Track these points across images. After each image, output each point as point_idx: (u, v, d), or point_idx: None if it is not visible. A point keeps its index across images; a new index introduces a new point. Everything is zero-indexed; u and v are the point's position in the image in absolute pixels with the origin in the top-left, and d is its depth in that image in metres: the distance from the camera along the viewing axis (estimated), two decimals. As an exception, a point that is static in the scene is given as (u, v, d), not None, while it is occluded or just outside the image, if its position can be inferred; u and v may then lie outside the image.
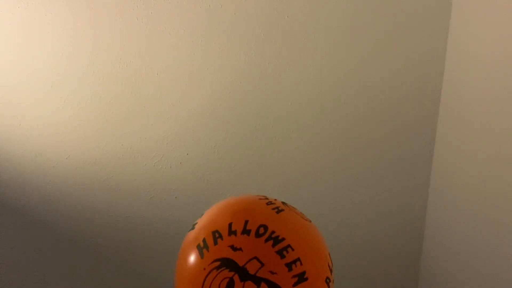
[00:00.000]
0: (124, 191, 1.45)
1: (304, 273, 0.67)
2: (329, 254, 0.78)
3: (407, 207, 1.51)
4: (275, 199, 0.83)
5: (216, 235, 0.69)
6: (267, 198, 0.84)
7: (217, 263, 0.65)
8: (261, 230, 0.69)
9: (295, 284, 0.66)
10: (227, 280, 0.64)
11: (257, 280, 0.64)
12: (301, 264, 0.67)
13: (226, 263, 0.65)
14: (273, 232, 0.69)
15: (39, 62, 1.34)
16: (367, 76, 1.40)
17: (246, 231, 0.68)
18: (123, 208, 1.47)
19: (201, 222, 0.76)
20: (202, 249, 0.68)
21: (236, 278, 0.64)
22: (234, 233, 0.68)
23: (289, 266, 0.66)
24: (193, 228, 0.76)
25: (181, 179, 1.45)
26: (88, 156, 1.42)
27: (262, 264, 0.65)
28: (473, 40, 1.24)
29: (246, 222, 0.70)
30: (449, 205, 1.36)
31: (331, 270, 0.75)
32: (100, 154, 1.42)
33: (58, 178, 1.43)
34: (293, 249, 0.68)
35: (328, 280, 0.72)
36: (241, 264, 0.65)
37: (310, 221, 0.84)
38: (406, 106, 1.43)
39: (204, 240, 0.69)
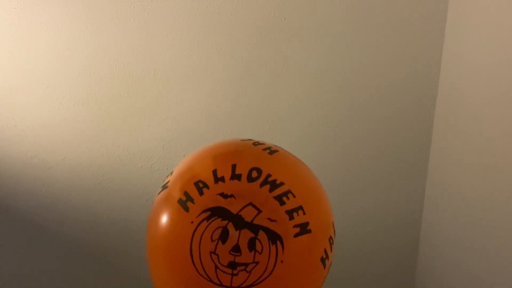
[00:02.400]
0: (120, 192, 1.45)
1: (307, 224, 0.59)
2: (332, 212, 0.69)
3: (403, 210, 1.51)
4: (264, 141, 0.72)
5: (200, 185, 0.60)
6: (252, 140, 0.72)
7: (207, 213, 0.57)
8: (254, 174, 0.60)
9: (297, 234, 0.58)
10: (220, 229, 0.56)
11: (254, 228, 0.56)
12: (304, 213, 0.60)
13: (218, 212, 0.57)
14: (268, 175, 0.60)
15: (35, 63, 1.34)
16: (364, 78, 1.41)
17: (235, 176, 0.60)
18: (119, 209, 1.46)
19: (175, 178, 0.66)
20: (185, 202, 0.59)
21: (231, 226, 0.56)
22: (222, 179, 0.60)
23: (290, 214, 0.59)
24: (164, 187, 0.66)
25: (177, 180, 1.45)
26: (84, 158, 1.42)
27: (259, 211, 0.57)
28: (469, 42, 1.25)
29: (234, 166, 0.61)
30: (445, 209, 1.37)
31: (334, 231, 0.67)
32: (96, 155, 1.42)
33: (54, 179, 1.43)
34: (294, 196, 0.60)
35: (331, 241, 0.65)
36: (234, 211, 0.57)
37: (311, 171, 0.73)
38: (402, 110, 1.43)
39: (186, 193, 0.60)
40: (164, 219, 0.61)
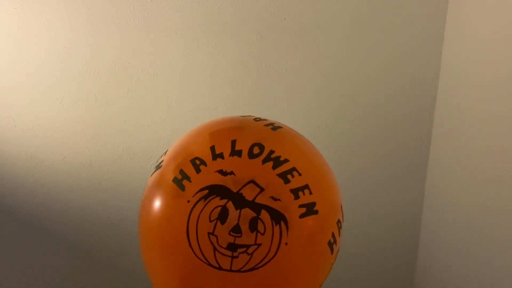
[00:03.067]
0: (120, 192, 1.45)
1: (313, 204, 0.55)
2: (340, 195, 0.64)
3: (403, 206, 1.51)
4: (266, 118, 0.66)
5: (197, 162, 0.55)
6: (252, 116, 0.67)
7: (205, 192, 0.53)
8: (256, 150, 0.55)
9: (303, 215, 0.54)
10: (219, 209, 0.51)
11: (256, 207, 0.52)
12: (310, 192, 0.55)
13: (216, 190, 0.52)
14: (271, 151, 0.56)
15: (35, 63, 1.34)
16: (363, 76, 1.41)
17: (235, 152, 0.55)
18: (119, 209, 1.46)
19: (169, 156, 0.61)
20: (181, 181, 0.54)
21: (230, 205, 0.51)
22: (220, 156, 0.55)
23: (295, 192, 0.54)
24: (158, 167, 0.61)
25: (177, 180, 1.44)
26: (84, 158, 1.41)
27: (262, 189, 0.53)
28: (468, 42, 1.25)
29: (234, 142, 0.56)
30: (444, 213, 1.37)
31: (343, 215, 0.62)
32: (96, 155, 1.41)
33: (53, 179, 1.42)
34: (300, 174, 0.55)
35: (339, 225, 0.59)
36: (235, 189, 0.52)
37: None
38: (402, 110, 1.43)
39: (181, 171, 0.55)
40: (158, 200, 0.57)
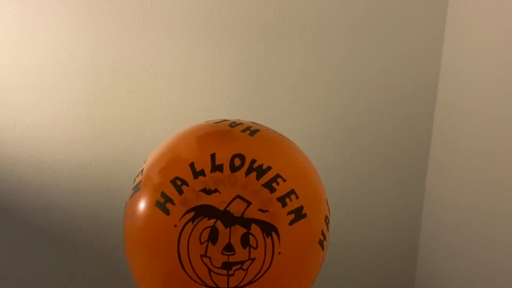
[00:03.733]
0: (120, 192, 1.45)
1: (301, 208, 0.55)
2: (325, 189, 0.64)
3: (403, 205, 1.51)
4: (240, 120, 0.65)
5: (178, 183, 0.53)
6: (228, 120, 0.65)
7: (191, 214, 0.51)
8: (237, 161, 0.54)
9: (292, 221, 0.53)
10: (208, 230, 0.51)
11: (245, 222, 0.51)
12: (297, 197, 0.55)
13: (203, 210, 0.51)
14: (253, 161, 0.54)
15: (35, 63, 1.34)
16: (363, 76, 1.41)
17: (216, 167, 0.53)
18: (119, 209, 1.46)
19: (147, 177, 0.58)
20: (164, 204, 0.53)
21: (219, 224, 0.51)
22: (201, 173, 0.53)
23: (282, 200, 0.53)
24: (136, 189, 0.58)
25: (177, 180, 1.44)
26: (84, 158, 1.41)
27: (249, 203, 0.52)
28: (468, 42, 1.25)
29: (213, 156, 0.54)
30: (445, 204, 1.37)
31: (329, 209, 0.62)
32: (96, 155, 1.41)
33: (53, 179, 1.42)
34: (284, 180, 0.55)
35: (327, 220, 0.60)
36: (221, 207, 0.51)
37: (296, 145, 0.67)
38: (402, 111, 1.43)
39: (163, 194, 0.53)
40: (143, 227, 0.55)
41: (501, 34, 1.09)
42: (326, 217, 0.60)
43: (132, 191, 0.60)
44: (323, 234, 0.58)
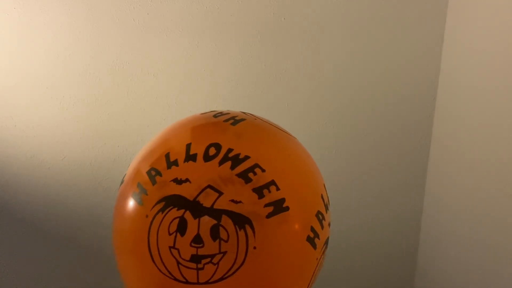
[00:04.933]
0: (120, 192, 1.45)
1: (282, 201, 0.50)
2: (324, 185, 0.60)
3: (403, 206, 1.51)
4: (230, 110, 0.62)
5: (153, 173, 0.52)
6: (215, 111, 0.63)
7: (161, 204, 0.50)
8: (212, 151, 0.51)
9: (270, 214, 0.49)
10: (177, 220, 0.48)
11: (215, 213, 0.48)
12: (277, 189, 0.50)
13: (172, 200, 0.49)
14: (229, 150, 0.51)
15: (35, 63, 1.34)
16: (363, 77, 1.41)
17: (190, 157, 0.51)
18: (119, 209, 1.46)
19: (130, 169, 0.58)
20: (139, 195, 0.52)
21: (188, 215, 0.48)
22: (175, 163, 0.51)
23: (258, 191, 0.50)
24: (121, 182, 0.59)
25: (177, 180, 1.44)
26: (84, 158, 1.41)
27: (220, 193, 0.49)
28: (469, 36, 1.25)
29: (188, 145, 0.53)
30: (445, 206, 1.37)
31: (326, 206, 0.57)
32: (96, 155, 1.41)
33: (53, 179, 1.42)
34: (263, 170, 0.51)
35: (320, 216, 0.55)
36: (191, 197, 0.49)
37: (293, 137, 0.62)
38: (402, 111, 1.43)
39: (139, 185, 0.53)
40: (122, 216, 0.55)
41: (501, 35, 1.09)
42: (319, 213, 0.55)
43: (120, 184, 0.59)
44: (313, 230, 0.53)
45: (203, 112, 0.65)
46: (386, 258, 1.56)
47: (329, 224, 0.59)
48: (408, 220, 1.52)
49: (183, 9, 1.33)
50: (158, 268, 0.49)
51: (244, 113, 0.62)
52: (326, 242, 0.58)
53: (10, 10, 1.30)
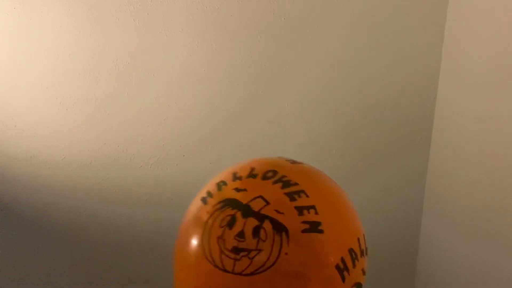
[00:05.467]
0: (120, 193, 1.45)
1: (318, 223, 0.59)
2: (363, 235, 0.67)
3: (403, 205, 1.51)
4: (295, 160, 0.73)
5: (220, 184, 0.65)
6: (282, 157, 0.75)
7: (221, 204, 0.61)
8: (269, 174, 0.63)
9: (306, 230, 0.58)
10: (229, 217, 0.59)
11: (260, 217, 0.58)
12: (316, 212, 0.59)
13: (229, 202, 0.61)
14: (284, 176, 0.63)
15: (35, 63, 1.34)
16: (363, 76, 1.41)
17: (251, 175, 0.64)
18: (119, 210, 1.46)
19: (206, 186, 0.72)
20: (206, 198, 0.64)
21: (238, 214, 0.59)
22: (239, 178, 0.64)
23: (299, 209, 0.59)
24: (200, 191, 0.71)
25: (177, 181, 1.45)
26: (83, 158, 1.41)
27: (267, 203, 0.59)
28: (469, 35, 1.25)
29: (253, 168, 0.65)
30: (445, 204, 1.37)
31: (362, 250, 0.64)
32: (96, 155, 1.41)
33: (53, 180, 1.42)
34: (307, 196, 0.61)
35: (353, 254, 0.62)
36: (244, 201, 0.60)
37: (342, 189, 0.73)
38: (402, 113, 1.43)
39: (208, 192, 0.66)
40: (189, 211, 0.68)
41: (501, 34, 1.09)
42: (352, 250, 0.62)
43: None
44: (343, 262, 0.60)
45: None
46: (386, 257, 1.56)
47: (363, 271, 0.64)
48: (408, 219, 1.52)
49: (183, 9, 1.33)
50: (205, 254, 0.59)
51: (308, 165, 0.72)
52: (357, 286, 0.63)
53: (10, 10, 1.30)
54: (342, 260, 0.60)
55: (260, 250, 0.56)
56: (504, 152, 1.07)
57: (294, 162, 0.70)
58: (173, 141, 1.42)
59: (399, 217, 1.52)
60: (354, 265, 0.61)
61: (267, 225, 0.57)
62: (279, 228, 0.57)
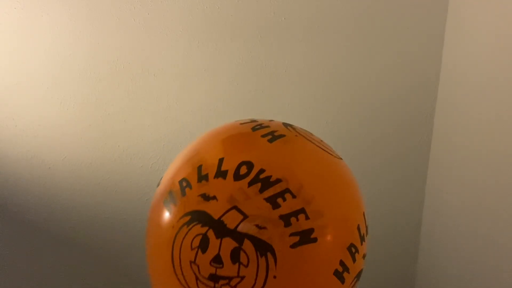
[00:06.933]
0: (120, 192, 1.45)
1: (310, 231, 0.48)
2: (363, 214, 0.56)
3: (403, 206, 1.51)
4: (272, 120, 0.60)
5: (184, 184, 0.52)
6: (256, 121, 0.61)
7: (187, 218, 0.49)
8: (243, 170, 0.50)
9: (295, 245, 0.47)
10: (200, 237, 0.48)
11: (238, 236, 0.47)
12: (306, 217, 0.48)
13: (198, 216, 0.49)
14: (261, 171, 0.50)
15: (35, 63, 1.34)
16: (364, 76, 1.41)
17: (220, 173, 0.50)
18: (120, 209, 1.46)
19: (167, 174, 0.58)
20: (169, 204, 0.52)
21: (211, 234, 0.48)
22: (205, 178, 0.50)
23: (286, 219, 0.47)
24: (158, 184, 0.59)
25: (177, 180, 1.44)
26: (84, 158, 1.41)
27: (245, 216, 0.47)
28: (469, 35, 1.25)
29: (221, 160, 0.51)
30: (446, 204, 1.37)
31: (362, 237, 0.54)
32: (96, 155, 1.41)
33: (54, 179, 1.42)
34: (294, 196, 0.48)
35: (353, 249, 0.52)
36: (216, 216, 0.48)
37: (340, 159, 0.59)
38: (402, 112, 1.43)
39: (170, 193, 0.53)
40: (152, 221, 0.55)
41: (501, 34, 1.09)
42: (352, 246, 0.52)
43: (157, 185, 0.59)
44: (342, 264, 0.50)
45: (243, 120, 0.62)
46: (386, 257, 1.55)
47: (363, 256, 0.56)
48: (408, 219, 1.51)
49: (183, 9, 1.33)
50: (179, 280, 0.49)
51: (286, 126, 0.58)
52: (358, 275, 0.55)
53: (11, 10, 1.30)
54: (341, 263, 0.50)
55: (242, 277, 0.47)
56: (505, 152, 1.07)
57: (271, 134, 0.55)
58: (173, 141, 1.42)
59: (400, 217, 1.52)
60: (354, 260, 0.52)
61: (247, 246, 0.47)
62: (263, 248, 0.47)
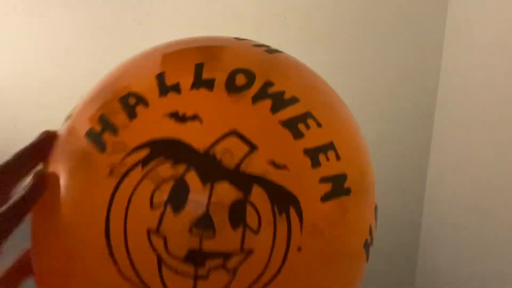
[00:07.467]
0: (120, 192, 1.45)
1: (343, 177, 0.30)
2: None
3: (403, 206, 1.51)
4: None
5: (132, 101, 0.29)
6: (251, 41, 0.40)
7: (143, 152, 0.26)
8: (241, 79, 0.30)
9: (327, 196, 0.28)
10: (169, 184, 0.26)
11: (242, 179, 0.26)
12: (337, 157, 0.30)
13: (165, 148, 0.27)
14: (268, 83, 0.31)
15: (35, 64, 1.34)
16: (363, 76, 1.41)
17: (203, 82, 0.29)
18: (119, 209, 1.46)
19: (86, 98, 0.35)
20: (99, 135, 0.29)
21: (192, 177, 0.26)
22: (175, 88, 0.29)
23: (313, 155, 0.29)
24: (66, 120, 0.35)
25: (177, 180, 1.44)
26: (84, 158, 1.41)
27: (253, 147, 0.27)
28: (470, 34, 1.25)
29: (200, 66, 0.31)
30: (446, 204, 1.37)
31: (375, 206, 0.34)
32: (96, 155, 1.41)
33: (54, 179, 1.42)
34: (319, 124, 0.31)
35: (376, 214, 0.36)
36: (201, 147, 0.26)
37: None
38: (402, 112, 1.43)
39: (102, 118, 0.30)
40: (61, 174, 0.31)
41: (502, 34, 1.09)
42: (376, 208, 0.37)
43: (63, 123, 0.35)
44: (371, 233, 0.37)
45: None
46: (386, 257, 1.56)
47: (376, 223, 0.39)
48: (408, 219, 1.52)
49: (183, 9, 1.33)
50: (119, 269, 0.26)
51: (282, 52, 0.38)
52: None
53: (10, 10, 1.30)
54: (370, 230, 0.36)
55: (249, 252, 0.25)
56: (505, 152, 1.07)
57: (267, 47, 0.37)
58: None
59: (400, 217, 1.52)
60: (376, 228, 0.37)
61: (258, 196, 0.25)
62: (284, 200, 0.26)
